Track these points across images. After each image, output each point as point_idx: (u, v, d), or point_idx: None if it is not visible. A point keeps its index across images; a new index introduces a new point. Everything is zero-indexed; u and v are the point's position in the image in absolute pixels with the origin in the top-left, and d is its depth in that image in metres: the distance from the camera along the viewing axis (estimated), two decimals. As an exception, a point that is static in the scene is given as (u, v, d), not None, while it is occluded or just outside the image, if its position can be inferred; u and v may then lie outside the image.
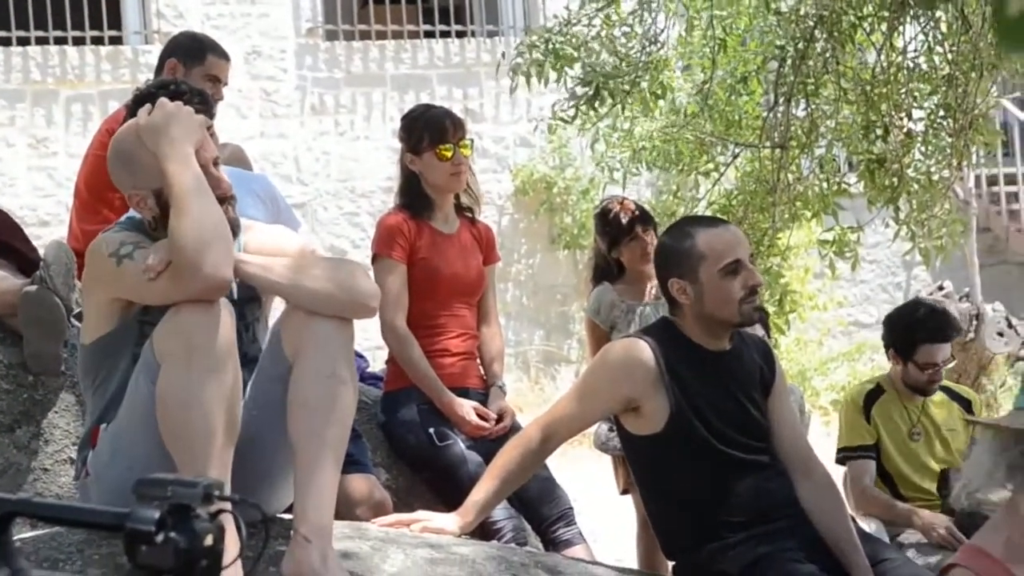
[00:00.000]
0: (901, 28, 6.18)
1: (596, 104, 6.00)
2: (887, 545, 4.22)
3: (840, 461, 5.40)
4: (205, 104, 3.99)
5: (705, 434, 3.70)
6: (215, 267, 3.07)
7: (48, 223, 10.79)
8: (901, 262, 13.48)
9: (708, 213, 6.76)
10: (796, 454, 3.87)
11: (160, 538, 1.24)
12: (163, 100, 3.33)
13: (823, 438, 9.53)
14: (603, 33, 5.95)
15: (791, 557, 3.61)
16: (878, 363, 13.25)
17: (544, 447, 3.81)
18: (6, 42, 11.26)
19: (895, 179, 6.17)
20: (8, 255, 4.44)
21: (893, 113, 6.19)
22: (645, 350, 3.73)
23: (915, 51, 6.25)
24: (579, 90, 6.00)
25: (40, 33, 11.26)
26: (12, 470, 4.04)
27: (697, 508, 3.72)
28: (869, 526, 5.11)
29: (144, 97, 3.63)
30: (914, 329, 5.35)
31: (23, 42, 11.25)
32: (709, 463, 3.72)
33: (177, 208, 3.13)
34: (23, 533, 3.35)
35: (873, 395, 5.41)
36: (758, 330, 5.21)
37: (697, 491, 3.72)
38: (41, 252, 4.21)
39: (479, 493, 3.76)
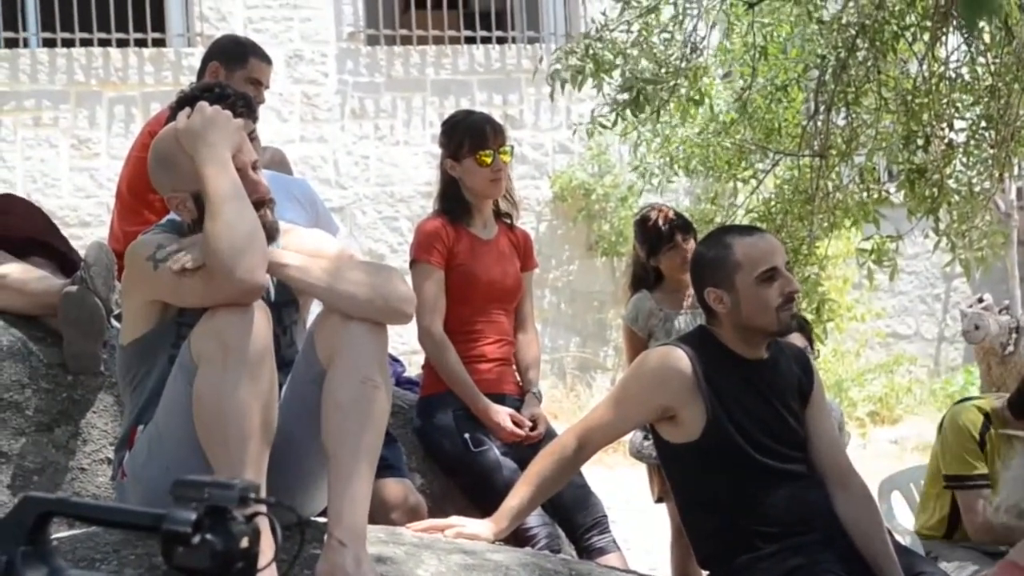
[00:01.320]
0: (944, 38, 6.15)
1: (637, 111, 5.99)
2: (923, 558, 4.20)
3: (952, 487, 5.25)
4: (249, 108, 4.01)
5: (741, 443, 3.69)
6: (248, 271, 3.09)
7: (89, 224, 10.85)
8: (941, 274, 13.41)
9: (746, 221, 6.74)
10: (833, 465, 3.85)
11: (196, 540, 1.25)
12: (202, 104, 3.35)
13: (859, 449, 9.50)
14: (643, 40, 5.95)
15: (826, 569, 3.59)
16: (915, 375, 13.20)
17: (579, 454, 3.81)
18: (51, 43, 11.34)
19: (935, 189, 6.14)
20: (49, 255, 4.47)
21: (934, 123, 6.16)
22: (682, 358, 3.73)
23: (957, 61, 6.22)
24: (619, 96, 6.00)
25: (84, 35, 11.34)
26: (50, 469, 4.06)
27: (732, 517, 3.71)
28: (905, 540, 5.07)
29: (188, 100, 3.65)
30: None
31: (67, 44, 11.32)
32: (745, 472, 3.70)
33: (212, 212, 3.15)
34: (60, 532, 3.37)
35: (984, 427, 5.25)
36: (800, 340, 5.19)
37: (732, 500, 3.71)
38: (82, 253, 4.24)
39: (514, 500, 3.76)
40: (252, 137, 4.01)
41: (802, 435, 3.83)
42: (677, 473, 3.88)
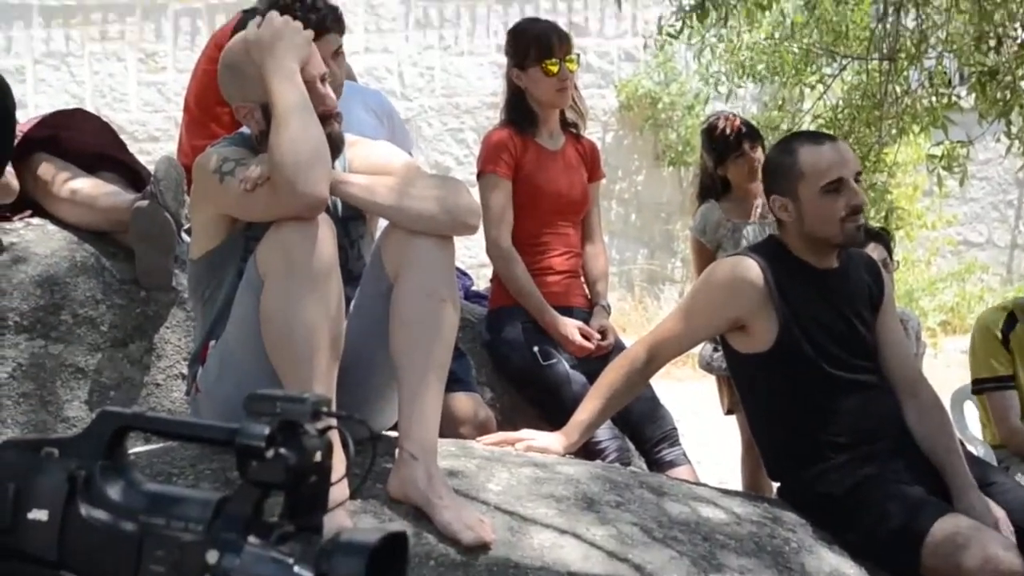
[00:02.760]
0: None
1: (702, 17, 5.92)
2: (996, 468, 4.18)
3: (977, 392, 5.26)
4: (338, 21, 4.00)
5: (811, 353, 3.68)
6: (311, 185, 3.09)
7: (158, 138, 10.91)
8: (1014, 179, 13.24)
9: (813, 127, 6.67)
10: (903, 373, 3.83)
11: (270, 454, 1.26)
12: (272, 15, 3.34)
13: (930, 359, 9.46)
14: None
15: (897, 479, 3.59)
16: (987, 283, 13.08)
17: (649, 366, 3.80)
18: (115, -42, 11.36)
19: (1008, 92, 6.04)
20: (118, 170, 4.50)
21: (1007, 23, 6.05)
22: (753, 268, 3.70)
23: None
24: (684, 2, 5.93)
25: (148, -51, 11.34)
26: (126, 385, 4.12)
27: (802, 427, 3.71)
28: (977, 450, 5.04)
29: (280, 7, 3.62)
30: None
31: (131, -42, 11.34)
32: (815, 382, 3.69)
33: (277, 124, 3.15)
34: (137, 447, 3.42)
35: (1009, 323, 5.24)
36: (879, 252, 5.15)
37: (802, 410, 3.71)
38: (151, 168, 4.27)
39: (583, 413, 3.77)
40: (338, 52, 4.01)
41: (873, 344, 3.81)
42: (747, 383, 3.88)
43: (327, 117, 3.28)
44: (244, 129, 3.46)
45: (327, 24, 3.75)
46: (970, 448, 4.54)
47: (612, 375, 3.79)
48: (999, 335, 5.18)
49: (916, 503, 3.51)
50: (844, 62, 6.75)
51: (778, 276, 3.69)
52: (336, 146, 3.33)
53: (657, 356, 3.79)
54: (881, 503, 3.53)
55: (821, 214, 3.68)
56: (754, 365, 3.76)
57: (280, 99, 3.17)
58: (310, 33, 3.36)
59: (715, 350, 5.28)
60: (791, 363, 3.69)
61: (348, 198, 3.33)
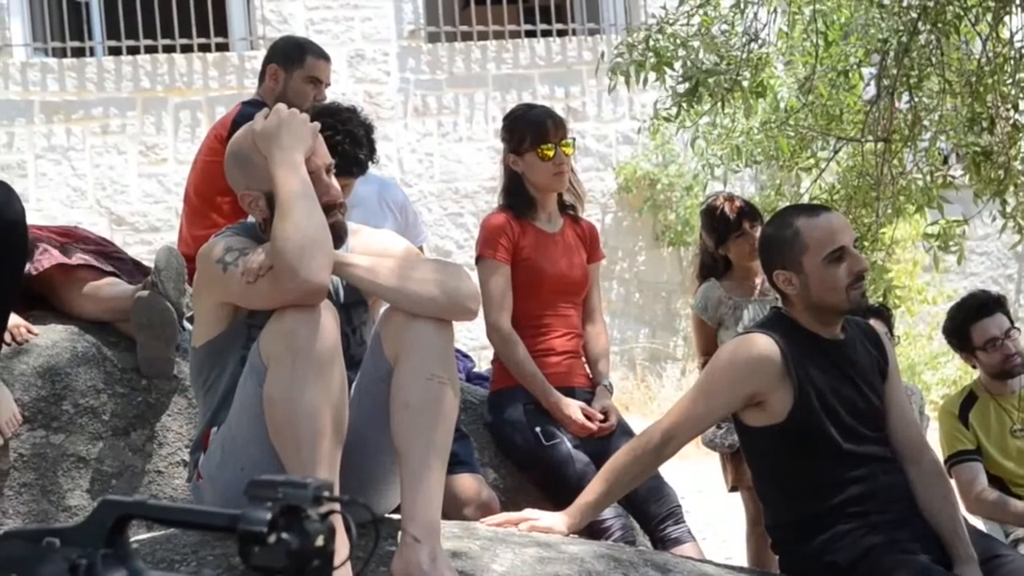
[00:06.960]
0: (1007, 18, 6.08)
1: (695, 101, 5.97)
2: (1001, 543, 4.17)
3: (947, 468, 5.33)
4: (360, 167, 4.13)
5: (826, 424, 3.68)
6: (312, 272, 3.11)
7: (159, 229, 10.96)
8: (1013, 254, 13.26)
9: (812, 206, 6.70)
10: (906, 440, 3.83)
11: (272, 539, 1.26)
12: (279, 106, 3.38)
13: (934, 432, 9.45)
14: (702, 30, 5.93)
15: (902, 548, 3.58)
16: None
17: (663, 451, 3.77)
18: (116, 51, 11.46)
19: (1002, 172, 6.08)
20: (117, 262, 4.52)
21: (999, 104, 6.10)
22: (770, 344, 3.71)
23: (1021, 41, 6.16)
24: (679, 87, 5.98)
25: (149, 42, 11.45)
26: (128, 473, 4.12)
27: (813, 499, 3.69)
28: (985, 525, 5.04)
29: (315, 116, 3.67)
30: (957, 318, 5.40)
31: (133, 51, 11.44)
32: (827, 454, 3.69)
33: (281, 212, 3.18)
34: (139, 535, 3.42)
35: (968, 403, 5.37)
36: (880, 327, 5.18)
37: (814, 482, 3.70)
38: (152, 258, 4.29)
39: (590, 495, 3.76)
40: (344, 184, 4.08)
41: (883, 412, 3.82)
42: (759, 456, 3.87)
43: (331, 207, 3.31)
44: (249, 219, 3.49)
45: (351, 170, 3.87)
46: (975, 522, 4.55)
47: (624, 459, 3.77)
48: (956, 413, 5.34)
49: (920, 572, 3.51)
50: (839, 144, 6.79)
51: (794, 350, 3.71)
52: (340, 235, 3.36)
53: (674, 439, 3.75)
54: (886, 574, 3.53)
55: (827, 283, 3.71)
56: (767, 438, 3.75)
57: (284, 188, 3.20)
58: (316, 125, 3.40)
59: (718, 427, 5.29)
60: (804, 435, 3.69)
61: (350, 278, 3.36)
